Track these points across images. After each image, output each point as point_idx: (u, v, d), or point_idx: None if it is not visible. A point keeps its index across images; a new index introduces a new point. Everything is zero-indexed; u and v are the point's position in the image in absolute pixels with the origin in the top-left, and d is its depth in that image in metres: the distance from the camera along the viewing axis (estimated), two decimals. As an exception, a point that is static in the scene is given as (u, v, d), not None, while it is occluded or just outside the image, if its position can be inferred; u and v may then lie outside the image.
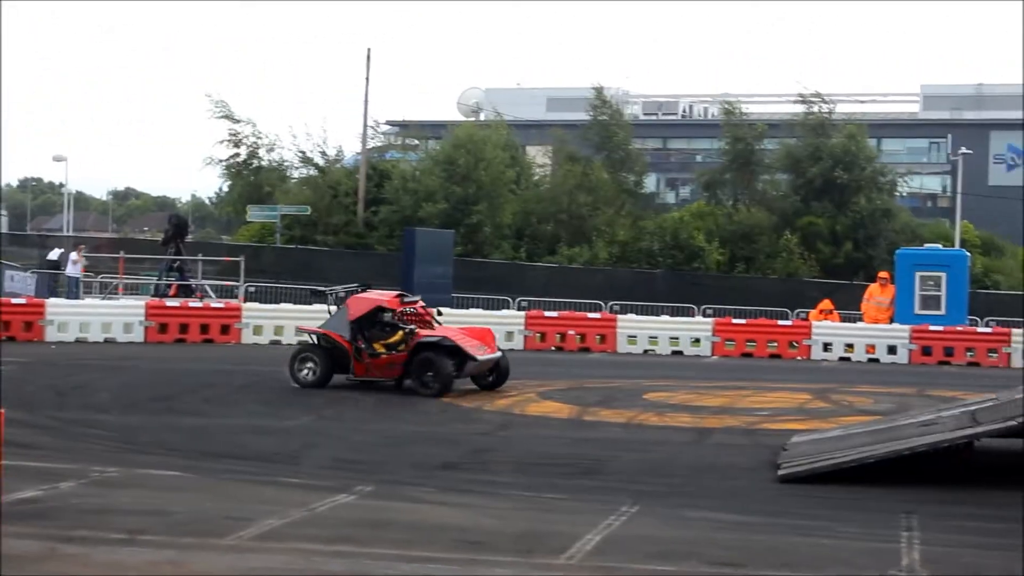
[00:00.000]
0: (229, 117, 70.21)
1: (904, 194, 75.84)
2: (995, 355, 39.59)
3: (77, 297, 44.79)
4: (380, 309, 27.43)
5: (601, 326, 41.14)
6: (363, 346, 26.93)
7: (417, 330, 27.20)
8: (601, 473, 17.70)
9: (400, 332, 27.10)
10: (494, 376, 27.61)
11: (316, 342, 27.63)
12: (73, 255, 48.69)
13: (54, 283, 48.74)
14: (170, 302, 39.65)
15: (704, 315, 45.60)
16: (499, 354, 27.72)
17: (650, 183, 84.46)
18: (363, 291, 28.42)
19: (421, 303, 28.48)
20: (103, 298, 43.95)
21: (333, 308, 28.56)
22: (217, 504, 14.41)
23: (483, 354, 26.99)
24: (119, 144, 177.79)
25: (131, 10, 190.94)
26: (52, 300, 39.27)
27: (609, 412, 24.20)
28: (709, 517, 14.45)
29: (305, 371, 27.04)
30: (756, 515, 14.73)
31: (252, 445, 19.31)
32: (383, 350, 26.95)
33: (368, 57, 68.06)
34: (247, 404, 24.35)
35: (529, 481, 16.65)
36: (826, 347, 40.26)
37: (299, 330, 33.84)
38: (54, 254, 52.99)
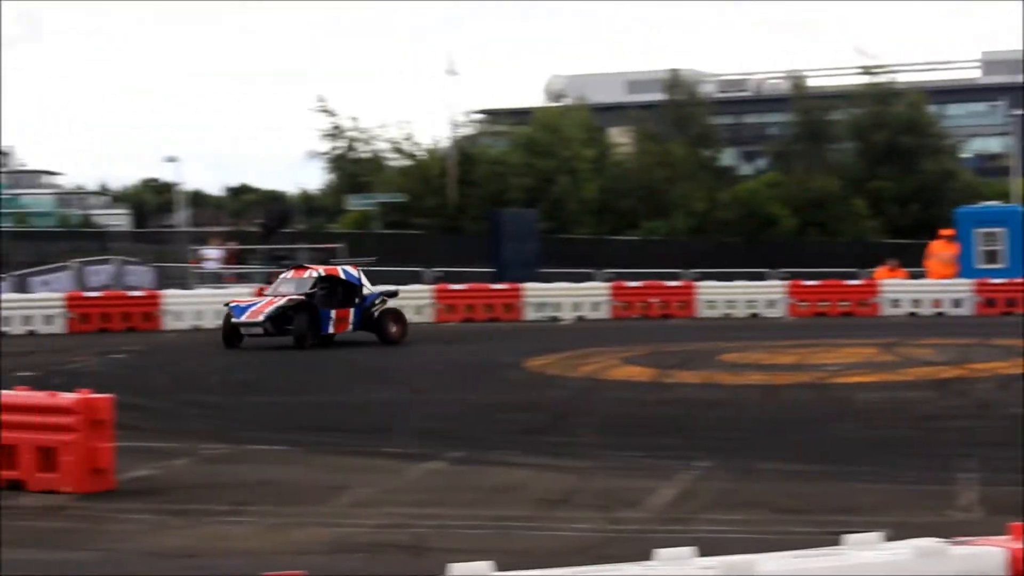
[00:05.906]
0: (329, 112, 70.25)
1: (967, 156, 74.87)
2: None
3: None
4: None
5: (681, 293, 40.99)
6: None
7: None
8: (677, 431, 17.65)
9: None
10: None
11: None
12: (211, 251, 48.83)
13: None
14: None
15: (778, 279, 45.18)
16: None
17: (726, 157, 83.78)
18: None
19: None
20: (215, 288, 44.00)
21: None
22: (316, 475, 14.52)
23: None
24: (229, 141, 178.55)
25: (229, 12, 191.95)
26: (168, 291, 39.57)
27: (687, 374, 24.08)
28: (778, 468, 14.36)
29: None
30: (822, 464, 14.63)
31: (345, 419, 19.36)
32: None
33: (451, 55, 68.18)
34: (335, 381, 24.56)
35: (609, 441, 16.61)
36: (895, 303, 39.82)
37: None
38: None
